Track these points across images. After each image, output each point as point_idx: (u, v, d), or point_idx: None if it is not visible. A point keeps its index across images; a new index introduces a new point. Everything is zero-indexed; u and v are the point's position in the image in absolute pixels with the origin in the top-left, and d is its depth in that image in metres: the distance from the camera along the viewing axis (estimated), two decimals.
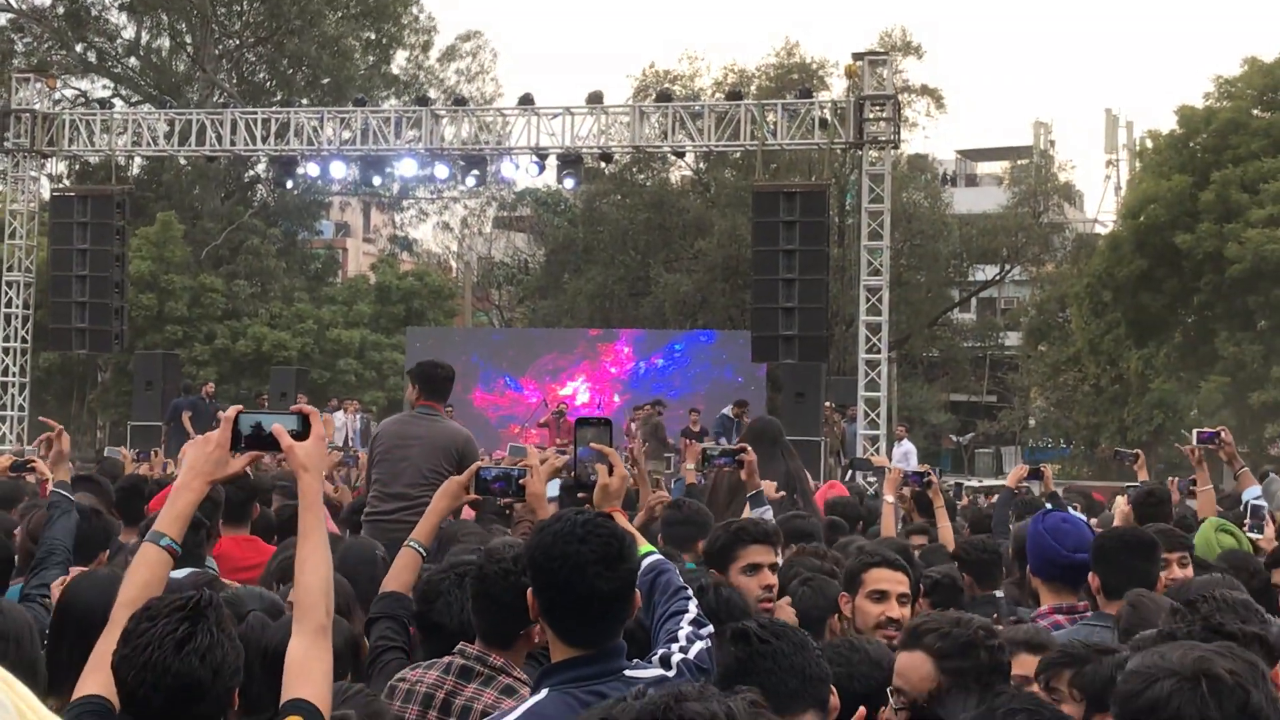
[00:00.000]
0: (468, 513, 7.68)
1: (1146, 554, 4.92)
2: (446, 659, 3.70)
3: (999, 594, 6.09)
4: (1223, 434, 8.12)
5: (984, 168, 52.35)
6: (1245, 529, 6.91)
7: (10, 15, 37.45)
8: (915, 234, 34.53)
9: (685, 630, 3.37)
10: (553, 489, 7.37)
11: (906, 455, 20.24)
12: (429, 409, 7.64)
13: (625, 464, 4.09)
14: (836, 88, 31.68)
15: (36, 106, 24.40)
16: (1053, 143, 46.72)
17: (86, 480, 8.23)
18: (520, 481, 4.57)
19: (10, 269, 24.45)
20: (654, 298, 35.13)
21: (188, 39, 38.93)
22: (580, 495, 4.12)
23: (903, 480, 7.84)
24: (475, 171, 23.42)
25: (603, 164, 28.56)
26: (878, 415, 21.17)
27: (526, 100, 22.80)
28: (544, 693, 3.06)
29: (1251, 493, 7.71)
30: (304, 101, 34.23)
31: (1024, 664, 3.65)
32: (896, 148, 23.36)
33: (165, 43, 39.68)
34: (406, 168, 24.28)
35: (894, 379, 27.99)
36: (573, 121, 22.60)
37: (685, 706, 1.91)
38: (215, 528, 6.06)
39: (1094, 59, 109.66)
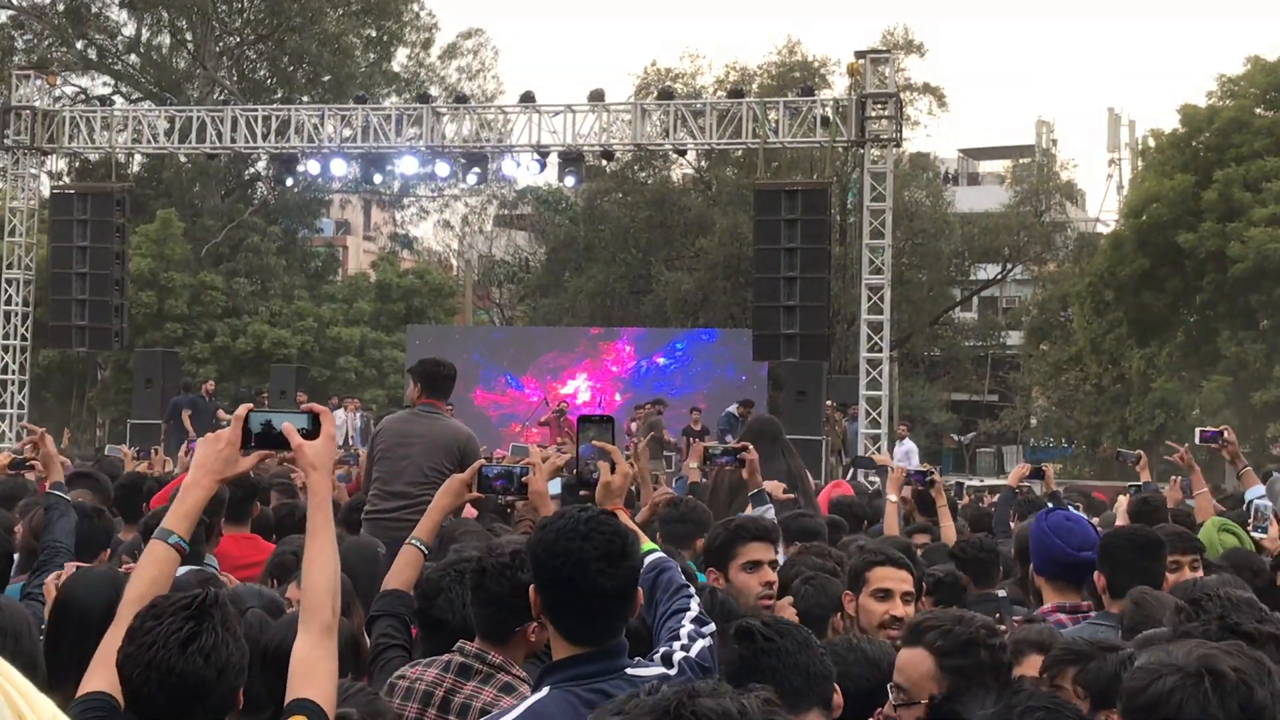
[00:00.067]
0: (469, 511, 7.66)
1: (1153, 553, 4.91)
2: (446, 657, 3.70)
3: (1001, 593, 6.08)
4: (1226, 433, 8.11)
5: (986, 166, 52.33)
6: (1249, 528, 6.89)
7: (11, 12, 37.46)
8: (917, 232, 34.54)
9: (687, 628, 3.36)
10: (554, 487, 7.36)
11: (908, 454, 20.24)
12: (430, 407, 7.63)
13: (627, 462, 4.08)
14: (838, 86, 31.68)
15: (37, 103, 24.40)
16: (1055, 141, 46.75)
17: (85, 477, 8.22)
18: (522, 479, 4.56)
19: (10, 266, 24.45)
20: (655, 296, 35.13)
21: (188, 36, 38.92)
22: (582, 493, 4.10)
23: (905, 479, 7.83)
24: (476, 169, 23.42)
25: (604, 162, 28.52)
26: (879, 414, 21.16)
27: (528, 98, 22.79)
28: (545, 690, 3.04)
29: (1255, 492, 7.69)
30: (305, 99, 34.22)
31: (1034, 664, 3.64)
32: (898, 146, 23.36)
33: (166, 40, 39.69)
34: (407, 165, 24.27)
35: (895, 378, 27.98)
36: (574, 119, 22.59)
37: (698, 703, 1.90)
38: (218, 526, 6.05)
39: (1096, 57, 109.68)
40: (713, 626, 3.40)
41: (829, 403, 21.55)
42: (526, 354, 28.95)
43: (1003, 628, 4.19)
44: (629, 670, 3.09)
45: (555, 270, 40.37)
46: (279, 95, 36.07)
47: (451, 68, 41.93)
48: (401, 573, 4.27)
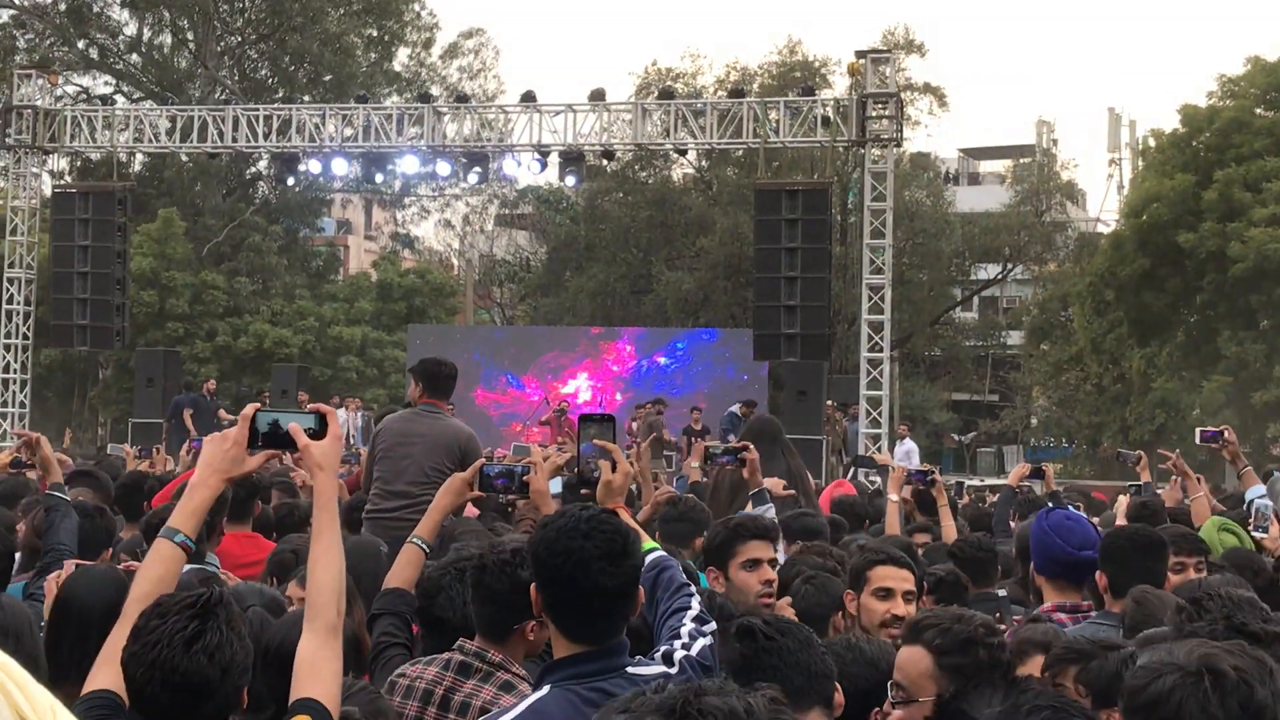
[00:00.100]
0: (470, 510, 7.67)
1: (1155, 553, 4.91)
2: (446, 655, 3.71)
3: (1001, 592, 6.09)
4: (1226, 433, 8.11)
5: (986, 166, 52.31)
6: (1249, 528, 6.89)
7: (12, 11, 37.46)
8: (917, 232, 34.54)
9: (688, 627, 3.36)
10: (555, 486, 7.37)
11: (909, 454, 20.24)
12: (432, 407, 7.63)
13: (628, 461, 4.08)
14: (839, 86, 31.68)
15: (38, 103, 24.40)
16: (1055, 141, 46.75)
17: (85, 476, 8.22)
18: (523, 478, 4.57)
19: (11, 265, 24.45)
20: (656, 296, 35.13)
21: (189, 36, 38.92)
22: (584, 491, 4.11)
23: (906, 479, 7.83)
24: (477, 169, 23.43)
25: (605, 161, 28.54)
26: (879, 414, 21.16)
27: (529, 97, 22.79)
28: (546, 689, 3.05)
29: (1255, 492, 7.69)
30: (306, 98, 34.21)
31: (1038, 664, 3.66)
32: (899, 146, 23.36)
33: (167, 39, 39.70)
34: (408, 165, 24.26)
35: (896, 378, 27.96)
36: (575, 119, 22.59)
37: (705, 701, 1.90)
38: (219, 525, 6.06)
39: (1097, 57, 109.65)
40: (714, 625, 3.41)
41: (829, 402, 21.55)
42: (527, 353, 28.96)
43: (1003, 627, 4.20)
44: (630, 669, 3.09)
45: (556, 270, 40.37)
46: (280, 95, 36.06)
47: (453, 67, 41.96)
48: (403, 571, 4.28)
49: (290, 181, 27.10)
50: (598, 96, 22.77)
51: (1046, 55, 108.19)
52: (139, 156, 32.65)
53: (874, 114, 21.10)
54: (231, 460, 3.21)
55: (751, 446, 6.09)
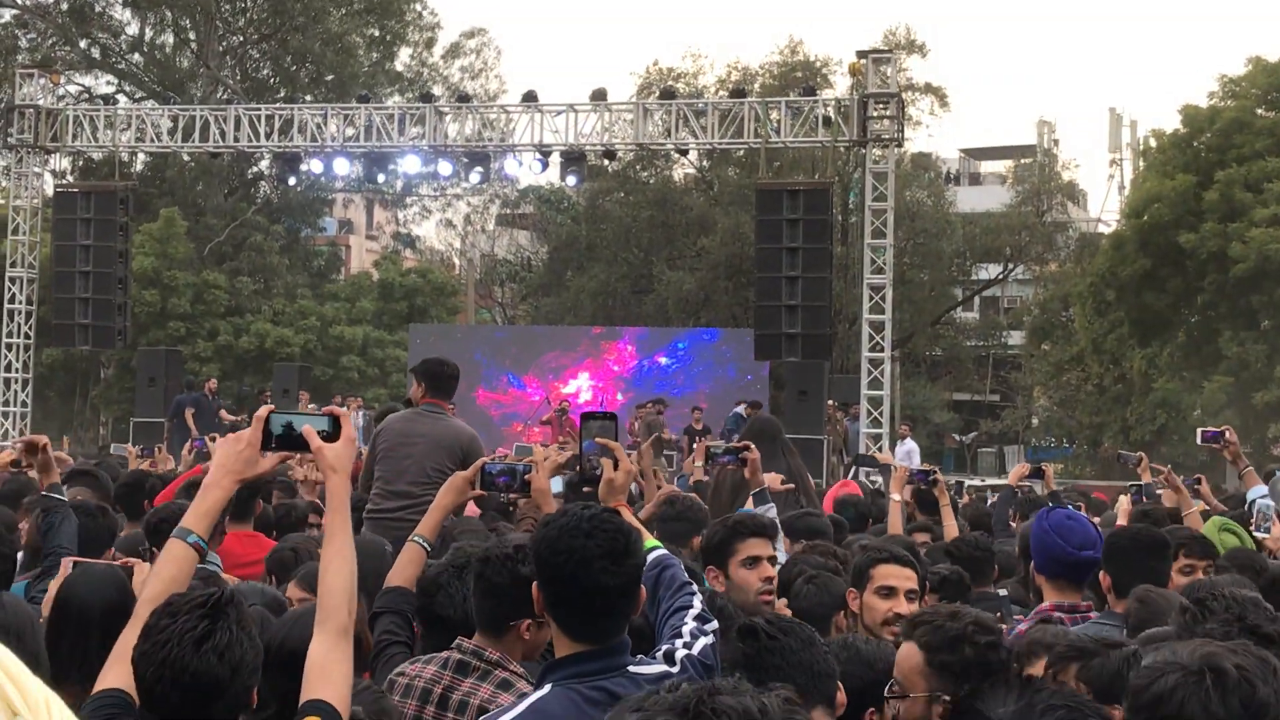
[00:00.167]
0: (472, 509, 7.66)
1: (1158, 553, 4.91)
2: (444, 654, 3.72)
3: (1002, 592, 6.09)
4: (1227, 433, 8.12)
5: (987, 166, 52.30)
6: (1251, 528, 6.90)
7: (14, 11, 37.46)
8: (918, 232, 34.54)
9: (690, 625, 3.36)
10: (556, 485, 7.37)
11: (909, 454, 20.25)
12: (434, 407, 7.63)
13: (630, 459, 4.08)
14: (840, 86, 31.70)
15: (40, 102, 24.41)
16: (1056, 141, 46.74)
17: (85, 475, 8.21)
18: (525, 477, 4.57)
19: (13, 265, 24.44)
20: (657, 295, 35.11)
21: (191, 35, 38.93)
22: (586, 490, 4.11)
23: (908, 478, 7.83)
24: (478, 168, 23.43)
25: (606, 161, 28.54)
26: (880, 414, 21.15)
27: (530, 97, 22.79)
28: (547, 688, 3.05)
29: (1257, 492, 7.70)
30: (308, 98, 34.22)
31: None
32: (900, 146, 23.35)
33: (169, 39, 39.71)
34: (410, 164, 24.25)
35: (897, 377, 27.94)
36: (576, 119, 22.59)
37: (718, 700, 1.90)
38: (222, 524, 6.05)
39: (1098, 58, 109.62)
40: (715, 624, 3.40)
41: (831, 402, 21.54)
42: (528, 353, 28.95)
43: (1003, 626, 4.20)
44: (631, 668, 3.09)
45: (557, 269, 40.37)
46: (282, 94, 36.07)
47: (454, 67, 41.95)
48: (404, 570, 4.28)
49: (292, 181, 27.11)
50: (599, 96, 22.77)
51: (1047, 55, 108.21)
52: (141, 156, 32.63)
53: (875, 114, 21.10)
54: (245, 461, 3.22)
55: (753, 446, 6.09)
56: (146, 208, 32.69)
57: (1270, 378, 25.68)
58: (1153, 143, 31.00)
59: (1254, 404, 25.76)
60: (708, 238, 34.25)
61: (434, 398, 7.65)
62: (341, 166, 24.03)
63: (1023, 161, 43.06)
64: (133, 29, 39.13)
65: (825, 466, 20.07)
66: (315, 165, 23.77)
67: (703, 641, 3.31)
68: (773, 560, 4.92)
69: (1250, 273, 25.52)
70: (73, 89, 36.22)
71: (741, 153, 31.03)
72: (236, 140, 23.72)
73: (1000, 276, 39.71)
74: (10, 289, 24.45)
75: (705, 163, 36.12)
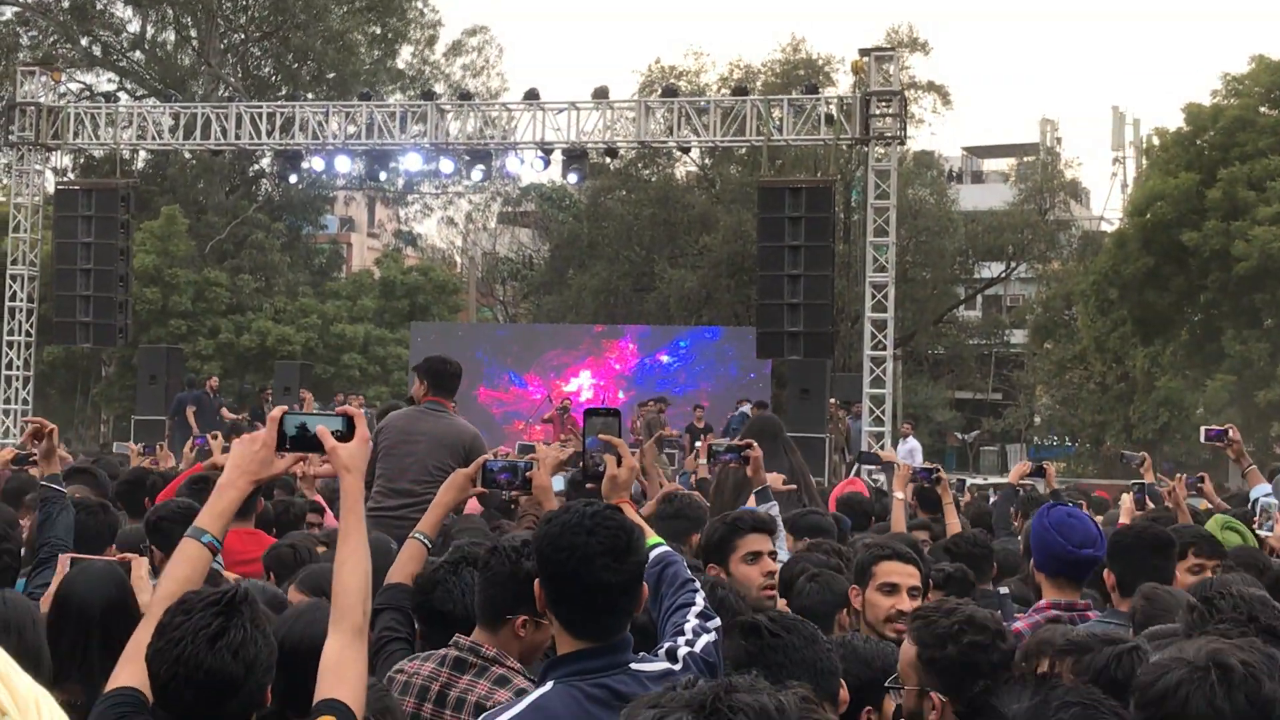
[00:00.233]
0: (474, 507, 7.64)
1: (1163, 551, 4.89)
2: (442, 651, 3.72)
3: (1004, 590, 6.07)
4: (1230, 432, 8.11)
5: (990, 164, 52.30)
6: (1254, 526, 6.88)
7: (16, 9, 37.48)
8: (921, 231, 34.52)
9: (692, 623, 3.35)
10: (558, 484, 7.35)
11: (912, 452, 20.23)
12: (436, 405, 7.62)
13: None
14: (843, 84, 31.70)
15: (41, 100, 24.40)
16: (1059, 140, 46.71)
17: (83, 472, 8.20)
18: (526, 474, 4.56)
19: (15, 262, 24.43)
20: (659, 294, 35.10)
21: (193, 33, 38.93)
22: (589, 486, 4.10)
23: (911, 476, 7.83)
24: (480, 166, 23.42)
25: (608, 159, 28.52)
26: (883, 412, 21.14)
27: (532, 95, 22.77)
28: (549, 685, 3.04)
29: (1260, 490, 7.69)
30: (309, 96, 34.18)
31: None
32: (902, 144, 23.30)
33: (170, 37, 39.72)
34: (411, 162, 24.24)
35: (899, 376, 27.93)
36: (578, 117, 22.57)
37: (735, 698, 1.90)
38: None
39: (1101, 56, 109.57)
40: (718, 621, 3.39)
41: (833, 401, 21.54)
42: (530, 351, 28.94)
43: (1008, 625, 4.19)
44: (634, 665, 3.08)
45: (559, 267, 40.36)
46: (283, 92, 36.06)
47: (456, 65, 41.98)
48: (405, 566, 4.28)
49: (293, 179, 27.12)
50: (601, 94, 22.75)
51: (1050, 53, 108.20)
52: (142, 154, 32.64)
53: (877, 112, 21.07)
54: (260, 462, 3.22)
55: (755, 444, 6.09)
56: (148, 205, 32.70)
57: (1273, 376, 25.67)
58: (1155, 141, 30.99)
59: (1257, 402, 25.74)
60: (710, 236, 34.23)
61: (436, 396, 7.65)
62: (343, 164, 24.01)
63: (1025, 160, 43.08)
64: (134, 27, 39.20)
65: (827, 465, 20.08)
66: (317, 163, 23.75)
67: (705, 639, 3.30)
68: (773, 555, 4.92)
69: (1253, 271, 25.50)
70: (74, 87, 36.28)
71: (743, 151, 31.02)
72: (238, 138, 23.71)
73: (1003, 275, 39.68)
74: (11, 286, 24.44)
75: (707, 161, 36.11)
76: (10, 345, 24.30)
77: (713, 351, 28.32)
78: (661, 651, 3.25)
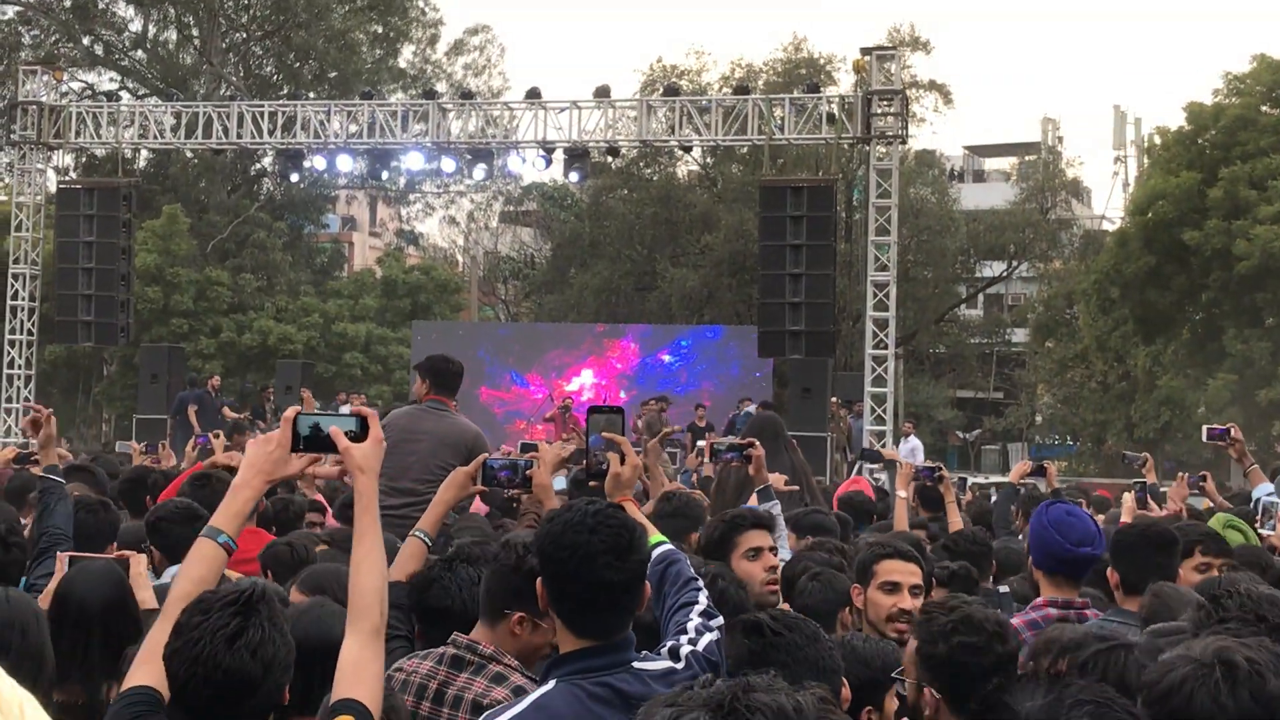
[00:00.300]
0: (480, 507, 7.64)
1: (1167, 549, 4.88)
2: (440, 650, 3.72)
3: (1003, 589, 6.08)
4: (1232, 431, 8.11)
5: (991, 164, 52.29)
6: (1257, 526, 6.88)
7: (18, 8, 37.49)
8: (922, 230, 34.52)
9: (695, 622, 3.35)
10: (560, 483, 7.34)
11: (913, 451, 20.23)
12: (438, 404, 7.60)
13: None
14: (844, 83, 31.67)
15: (43, 99, 24.39)
16: (1060, 139, 46.78)
17: (81, 471, 8.19)
18: (526, 472, 4.55)
19: (16, 261, 24.42)
20: (660, 293, 35.10)
21: (194, 32, 38.95)
22: (592, 484, 4.10)
23: (914, 475, 7.82)
24: (482, 165, 23.40)
25: (609, 158, 28.50)
26: (884, 411, 21.14)
27: (533, 94, 22.76)
28: (551, 684, 3.04)
29: (1263, 489, 7.68)
30: (311, 95, 34.19)
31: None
32: (904, 143, 23.30)
33: (172, 36, 39.74)
34: (413, 161, 24.23)
35: (900, 375, 27.95)
36: (580, 116, 22.56)
37: (753, 698, 1.90)
38: None
39: (1102, 55, 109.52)
40: (720, 620, 3.39)
41: (834, 400, 21.53)
42: (532, 351, 28.93)
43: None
44: (636, 664, 3.08)
45: (560, 267, 40.36)
46: (285, 91, 36.07)
47: (458, 64, 42.00)
48: (405, 564, 4.27)
49: (295, 178, 27.09)
50: (603, 93, 22.74)
51: (1052, 53, 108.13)
52: (144, 153, 32.56)
53: (879, 111, 21.06)
54: (275, 462, 3.22)
55: (758, 443, 6.09)
56: (149, 204, 32.70)
57: (1275, 375, 25.65)
58: (1157, 140, 30.95)
59: (1258, 401, 25.72)
60: (711, 235, 34.23)
61: (438, 395, 7.63)
62: (344, 163, 24.00)
63: (1027, 159, 43.07)
64: (136, 26, 39.21)
65: (829, 464, 20.07)
66: (318, 162, 23.74)
67: (708, 638, 3.30)
68: (774, 551, 4.92)
69: (1254, 270, 25.47)
70: (76, 86, 36.28)
71: (745, 150, 31.02)
72: (239, 137, 23.70)
73: (1004, 274, 39.69)
74: (13, 285, 24.43)
75: (709, 160, 36.13)
76: (12, 344, 24.30)
77: (714, 351, 28.31)
78: (664, 650, 3.25)
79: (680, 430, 22.40)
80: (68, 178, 28.47)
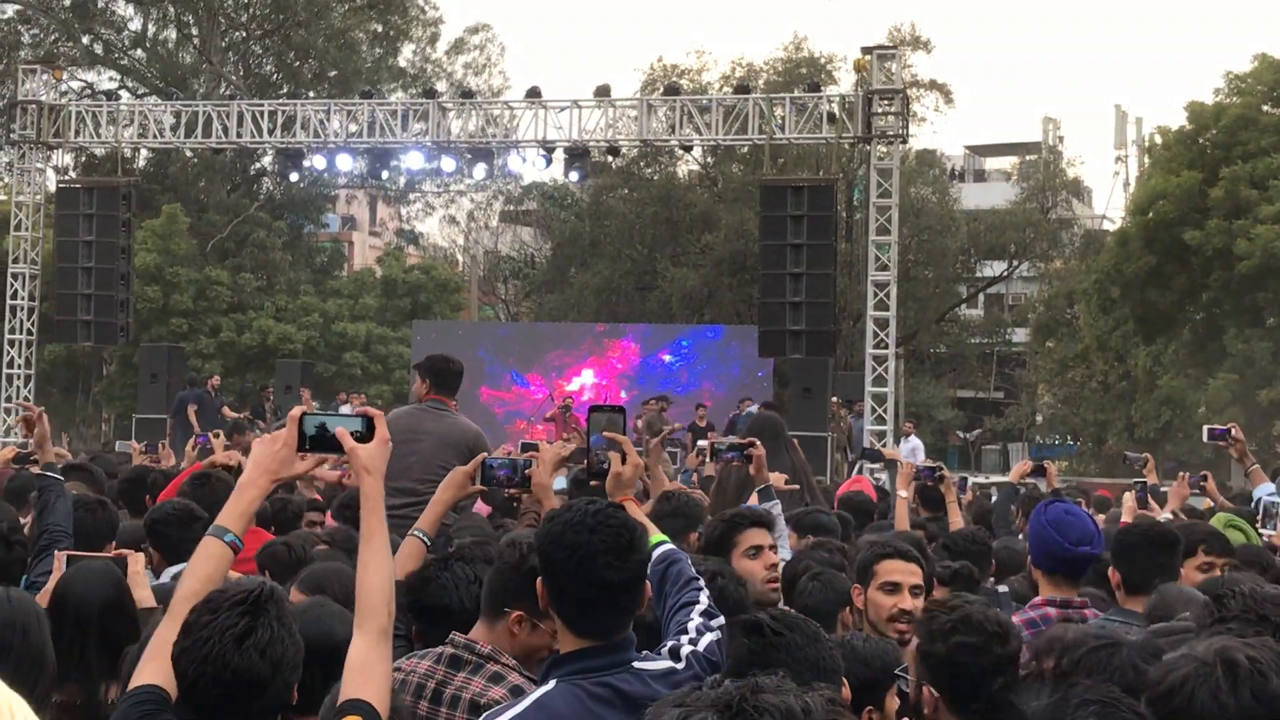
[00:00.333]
0: (482, 508, 7.62)
1: (1168, 549, 4.87)
2: (438, 649, 3.72)
3: (1003, 588, 6.07)
4: (1233, 431, 8.10)
5: (992, 163, 52.31)
6: (1258, 526, 6.87)
7: (17, 7, 37.49)
8: (923, 229, 34.52)
9: (695, 621, 3.34)
10: (561, 482, 7.33)
11: (914, 451, 20.21)
12: (438, 404, 7.59)
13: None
14: (845, 82, 31.68)
15: (43, 98, 24.38)
16: (1061, 138, 46.87)
17: (79, 470, 8.18)
18: (526, 472, 4.54)
19: (16, 261, 24.41)
20: (661, 292, 35.10)
21: (194, 31, 38.94)
22: (593, 484, 4.09)
23: (914, 474, 7.81)
24: (482, 165, 23.39)
25: (610, 158, 28.48)
26: (885, 411, 21.13)
27: (534, 93, 22.75)
28: (552, 684, 3.03)
29: (1264, 489, 7.67)
30: (311, 94, 34.18)
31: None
32: (905, 143, 23.28)
33: (172, 35, 39.73)
34: (413, 161, 24.22)
35: (901, 375, 27.95)
36: (580, 115, 22.55)
37: (761, 698, 1.89)
38: None
39: (1103, 55, 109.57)
40: (721, 620, 3.38)
41: (835, 399, 21.52)
42: (532, 350, 28.92)
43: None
44: (637, 664, 3.07)
45: (561, 266, 40.36)
46: (285, 90, 36.06)
47: (458, 63, 41.99)
48: (404, 564, 4.26)
49: (295, 177, 27.07)
50: (603, 93, 22.72)
51: (1053, 52, 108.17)
52: (143, 152, 32.55)
53: (880, 110, 21.05)
54: (281, 461, 3.22)
55: (758, 442, 6.08)
56: (149, 204, 32.69)
57: (1275, 375, 25.66)
58: (1158, 139, 30.96)
59: (1259, 401, 25.72)
60: (712, 234, 34.23)
61: (438, 394, 7.62)
62: (344, 163, 23.99)
63: (1028, 158, 43.09)
64: (135, 25, 39.21)
65: (829, 463, 20.06)
66: (318, 161, 23.72)
67: (709, 638, 3.29)
68: (774, 549, 4.91)
69: (1255, 270, 25.48)
70: (75, 85, 36.27)
71: (745, 149, 31.01)
72: (239, 136, 23.68)
73: (1005, 273, 39.70)
74: (13, 285, 24.42)
75: (709, 159, 36.12)
76: (11, 344, 24.29)
77: (715, 350, 28.30)
78: (664, 650, 3.24)
79: (681, 430, 22.40)
80: (67, 177, 28.43)
